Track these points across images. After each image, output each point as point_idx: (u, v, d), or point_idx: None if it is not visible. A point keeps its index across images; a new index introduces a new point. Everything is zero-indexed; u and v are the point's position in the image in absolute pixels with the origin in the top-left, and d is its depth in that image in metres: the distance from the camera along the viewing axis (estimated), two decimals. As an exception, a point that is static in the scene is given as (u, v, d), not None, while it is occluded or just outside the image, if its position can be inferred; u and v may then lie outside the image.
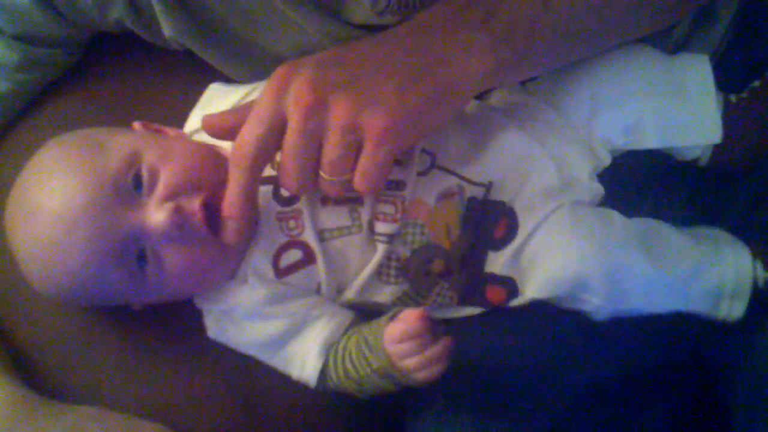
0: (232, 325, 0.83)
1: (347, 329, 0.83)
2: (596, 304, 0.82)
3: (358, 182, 0.72)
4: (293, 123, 0.71)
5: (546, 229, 0.82)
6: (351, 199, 0.81)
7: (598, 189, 0.86)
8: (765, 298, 0.83)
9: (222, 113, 0.78)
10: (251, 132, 0.73)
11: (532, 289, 0.82)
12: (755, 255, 0.84)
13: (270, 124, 0.72)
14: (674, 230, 0.85)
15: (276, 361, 0.84)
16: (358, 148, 0.71)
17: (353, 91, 0.70)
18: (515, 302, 0.84)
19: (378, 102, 0.70)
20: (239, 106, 0.77)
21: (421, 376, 0.77)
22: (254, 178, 0.74)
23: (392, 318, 0.78)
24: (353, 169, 0.72)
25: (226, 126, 0.76)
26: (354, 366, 0.80)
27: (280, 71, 0.72)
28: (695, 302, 0.83)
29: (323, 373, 0.82)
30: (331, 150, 0.71)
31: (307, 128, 0.71)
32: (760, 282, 0.83)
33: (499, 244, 0.83)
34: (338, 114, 0.70)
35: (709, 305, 0.83)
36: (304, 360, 0.83)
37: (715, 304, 0.83)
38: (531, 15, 0.76)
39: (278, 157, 0.78)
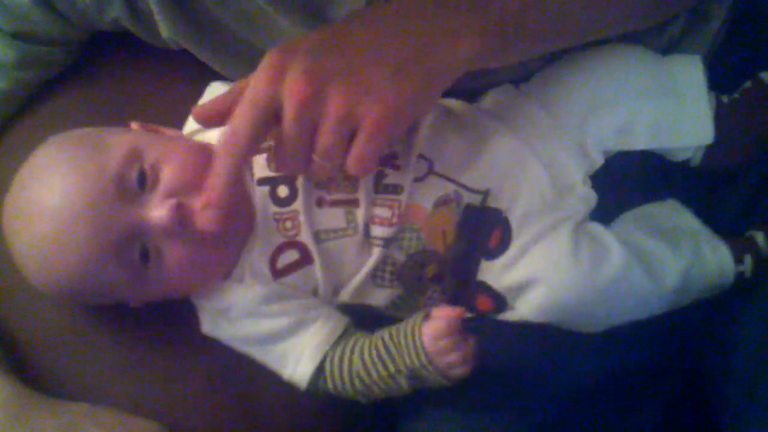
0: (226, 322, 0.84)
1: (343, 333, 0.83)
2: (591, 329, 0.84)
3: (351, 166, 0.73)
4: (289, 113, 0.71)
5: (545, 248, 0.82)
6: (346, 202, 0.81)
7: (592, 196, 0.86)
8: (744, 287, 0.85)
9: (212, 100, 0.77)
10: (245, 118, 0.72)
11: (525, 310, 0.83)
12: (731, 248, 0.85)
13: (265, 111, 0.72)
14: (650, 238, 0.85)
15: (268, 359, 0.84)
16: (353, 134, 0.72)
17: (350, 82, 0.70)
18: (506, 316, 0.84)
19: (374, 92, 0.70)
20: (226, 92, 0.77)
21: (459, 372, 0.79)
22: (242, 165, 0.75)
23: (425, 317, 0.79)
24: (345, 154, 0.73)
25: (215, 112, 0.76)
26: (366, 369, 0.80)
27: (272, 58, 0.72)
28: (685, 302, 0.85)
29: (316, 375, 0.82)
30: (326, 138, 0.72)
31: (304, 119, 0.71)
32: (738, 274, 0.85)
33: (493, 254, 0.83)
34: (335, 106, 0.70)
35: (699, 298, 0.85)
36: (297, 360, 0.83)
37: (703, 296, 0.85)
38: (522, 6, 0.76)
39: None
